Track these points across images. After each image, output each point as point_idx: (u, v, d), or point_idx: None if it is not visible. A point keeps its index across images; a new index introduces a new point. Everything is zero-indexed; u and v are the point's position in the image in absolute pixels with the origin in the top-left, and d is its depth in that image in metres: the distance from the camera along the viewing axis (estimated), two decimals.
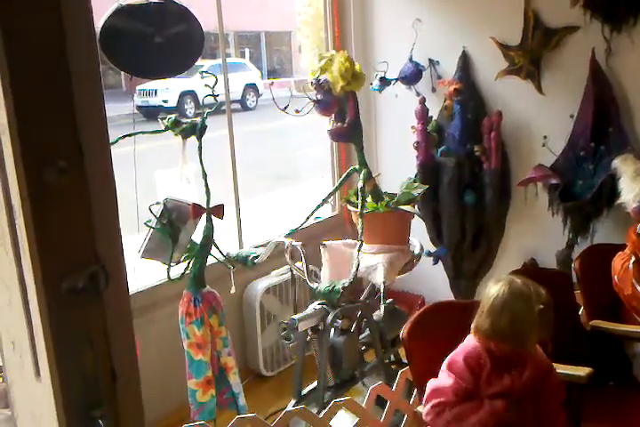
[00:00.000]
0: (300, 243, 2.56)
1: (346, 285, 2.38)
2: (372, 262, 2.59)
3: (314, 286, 2.49)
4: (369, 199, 2.69)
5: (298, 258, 2.58)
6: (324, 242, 2.75)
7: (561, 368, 2.10)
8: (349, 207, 2.81)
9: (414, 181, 2.85)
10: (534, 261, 3.30)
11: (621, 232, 2.73)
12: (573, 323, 2.55)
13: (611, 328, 2.47)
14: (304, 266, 2.52)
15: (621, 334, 2.45)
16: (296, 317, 2.38)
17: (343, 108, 2.61)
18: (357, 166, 2.71)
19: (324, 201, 2.83)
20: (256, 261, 2.60)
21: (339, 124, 2.63)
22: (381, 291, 2.53)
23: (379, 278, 2.53)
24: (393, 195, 2.76)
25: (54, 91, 0.70)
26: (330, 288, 2.41)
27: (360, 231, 2.46)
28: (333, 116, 2.63)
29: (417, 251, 2.79)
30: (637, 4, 2.77)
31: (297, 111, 2.52)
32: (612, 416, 2.17)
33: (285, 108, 2.45)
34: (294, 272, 2.66)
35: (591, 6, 2.86)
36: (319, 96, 2.53)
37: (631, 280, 2.50)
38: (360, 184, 2.62)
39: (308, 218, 2.82)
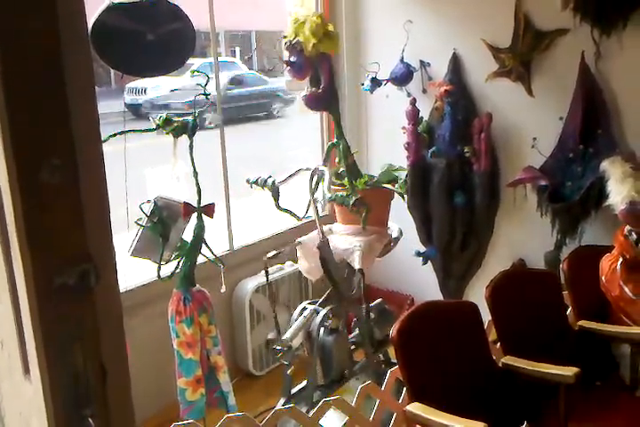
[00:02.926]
0: (327, 167, 2.51)
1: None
2: (349, 245, 2.55)
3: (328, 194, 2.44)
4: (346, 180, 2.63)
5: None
6: (298, 240, 2.71)
7: (548, 368, 2.12)
8: (335, 206, 2.78)
9: (405, 182, 2.84)
10: (523, 262, 3.32)
11: (609, 234, 2.75)
12: (561, 323, 2.57)
13: (598, 329, 2.49)
14: (324, 181, 2.46)
15: (608, 334, 2.47)
16: (287, 336, 2.36)
17: (318, 74, 2.55)
18: (335, 140, 2.66)
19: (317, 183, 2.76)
20: (277, 182, 2.52)
21: (313, 89, 2.57)
22: (362, 276, 2.49)
23: (356, 263, 2.50)
24: (372, 175, 2.71)
25: (47, 89, 0.70)
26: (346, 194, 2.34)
27: (365, 213, 2.36)
28: (308, 82, 2.56)
29: (395, 235, 2.76)
30: (626, 8, 2.79)
31: (269, 70, 2.49)
32: (598, 416, 2.19)
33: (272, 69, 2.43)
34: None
35: (581, 10, 2.87)
36: (292, 58, 2.48)
37: (618, 281, 2.52)
38: (341, 158, 2.57)
39: (296, 173, 2.72)
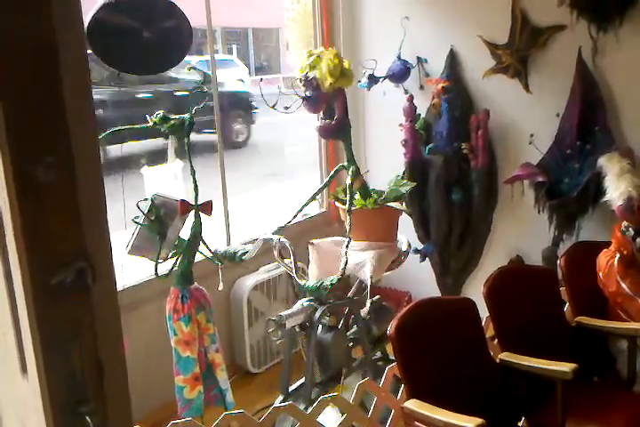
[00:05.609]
0: (288, 241, 2.56)
1: (334, 281, 2.38)
2: (360, 259, 2.60)
3: (302, 282, 2.49)
4: (357, 196, 2.69)
5: (286, 255, 2.58)
6: (311, 241, 2.75)
7: (546, 364, 2.12)
8: (337, 204, 2.81)
9: (402, 179, 2.86)
10: (520, 258, 3.33)
11: (606, 230, 2.76)
12: (558, 319, 2.58)
13: (595, 324, 2.50)
14: (292, 262, 2.52)
15: (606, 330, 2.48)
16: (283, 313, 2.38)
17: (331, 105, 2.61)
18: (346, 163, 2.72)
19: (313, 198, 2.83)
20: (244, 257, 2.59)
21: (327, 121, 2.63)
22: (368, 287, 2.53)
23: (366, 275, 2.54)
24: (381, 192, 2.77)
25: (43, 87, 0.69)
26: (318, 285, 2.41)
27: (348, 228, 2.46)
28: (322, 113, 2.63)
29: (404, 248, 2.80)
30: (623, 5, 2.79)
31: (286, 108, 2.51)
32: (596, 411, 2.20)
33: (274, 105, 2.44)
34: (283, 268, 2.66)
35: (578, 6, 2.88)
36: (308, 93, 2.53)
37: (616, 277, 2.53)
38: (348, 181, 2.63)
39: (296, 215, 2.82)
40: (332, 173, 2.83)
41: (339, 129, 2.64)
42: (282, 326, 2.35)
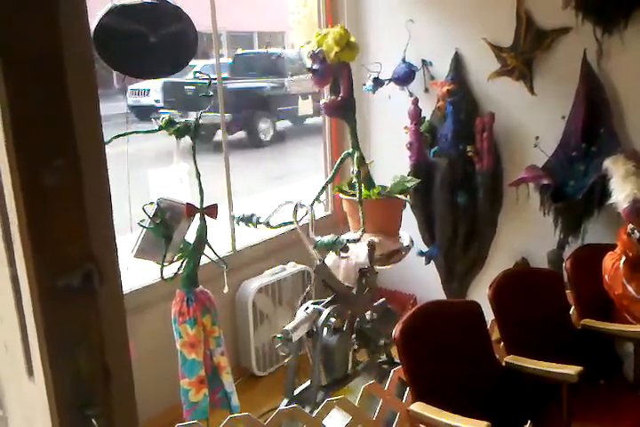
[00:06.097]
0: (308, 203, 2.57)
1: (350, 239, 2.38)
2: (360, 248, 2.60)
3: (317, 238, 2.48)
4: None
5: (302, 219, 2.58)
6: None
7: (552, 367, 2.12)
8: (341, 196, 2.81)
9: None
10: (526, 261, 3.32)
11: (612, 232, 2.75)
12: (564, 322, 2.57)
13: (601, 327, 2.49)
14: (311, 223, 2.51)
15: (612, 332, 2.47)
16: (289, 327, 2.37)
17: (337, 81, 2.65)
18: (350, 150, 2.73)
19: (323, 188, 2.81)
20: (261, 220, 2.60)
21: (333, 97, 2.66)
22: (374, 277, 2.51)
23: (364, 257, 2.54)
24: (385, 187, 2.77)
25: (49, 90, 0.70)
26: (334, 240, 2.41)
27: (361, 218, 2.45)
28: (328, 90, 2.66)
29: (406, 243, 2.79)
30: (628, 7, 2.79)
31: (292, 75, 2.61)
32: (602, 415, 2.19)
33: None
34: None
35: (583, 8, 2.87)
36: (315, 66, 2.58)
37: (621, 279, 2.52)
38: (355, 168, 2.63)
39: (314, 200, 2.77)
40: (339, 160, 2.83)
41: (344, 106, 2.67)
42: (289, 340, 2.35)
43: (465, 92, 3.30)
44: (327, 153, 3.86)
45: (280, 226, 2.64)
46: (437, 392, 2.01)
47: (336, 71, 2.62)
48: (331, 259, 2.69)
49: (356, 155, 2.66)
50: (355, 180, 2.59)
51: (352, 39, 2.59)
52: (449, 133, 3.29)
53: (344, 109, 2.68)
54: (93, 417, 0.77)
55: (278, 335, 2.35)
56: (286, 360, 2.53)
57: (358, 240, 2.38)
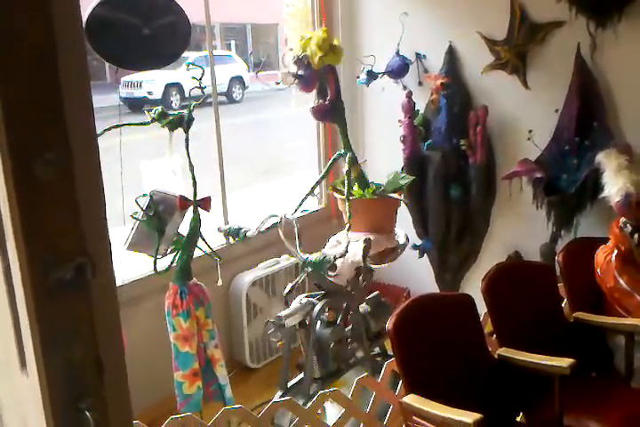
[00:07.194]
0: (294, 217, 2.57)
1: (337, 256, 2.38)
2: (357, 247, 2.60)
3: (304, 256, 2.49)
4: (355, 188, 2.70)
5: (289, 233, 2.59)
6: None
7: (544, 359, 2.13)
8: (336, 195, 2.81)
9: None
10: (518, 254, 3.33)
11: (604, 226, 2.76)
12: (556, 315, 2.59)
13: (593, 320, 2.50)
14: (296, 239, 2.52)
15: (604, 325, 2.49)
16: (282, 313, 2.38)
17: (324, 85, 2.64)
18: (342, 151, 2.73)
19: (313, 188, 2.82)
20: (248, 234, 2.61)
21: (320, 101, 2.66)
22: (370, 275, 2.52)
23: (360, 255, 2.54)
24: (379, 185, 2.77)
25: (41, 82, 0.70)
26: (321, 258, 2.41)
27: (347, 215, 2.46)
28: (315, 94, 2.66)
29: (402, 241, 2.80)
30: (622, 1, 2.79)
31: (277, 83, 2.60)
32: (593, 407, 2.20)
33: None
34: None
35: (576, 2, 2.87)
36: (300, 72, 2.57)
37: (613, 273, 2.54)
38: (345, 169, 2.64)
39: (297, 209, 2.81)
40: (331, 160, 2.83)
41: (332, 109, 2.66)
42: (281, 326, 2.35)
43: (459, 86, 3.30)
44: (321, 150, 3.85)
45: (265, 232, 2.66)
46: (430, 384, 2.02)
47: (322, 75, 2.61)
48: None
49: (348, 155, 2.67)
50: (345, 178, 2.59)
51: (335, 42, 2.58)
52: (442, 127, 3.29)
53: (332, 112, 2.68)
54: (87, 410, 0.77)
55: (271, 320, 2.36)
56: (278, 344, 2.54)
57: (344, 255, 2.39)
